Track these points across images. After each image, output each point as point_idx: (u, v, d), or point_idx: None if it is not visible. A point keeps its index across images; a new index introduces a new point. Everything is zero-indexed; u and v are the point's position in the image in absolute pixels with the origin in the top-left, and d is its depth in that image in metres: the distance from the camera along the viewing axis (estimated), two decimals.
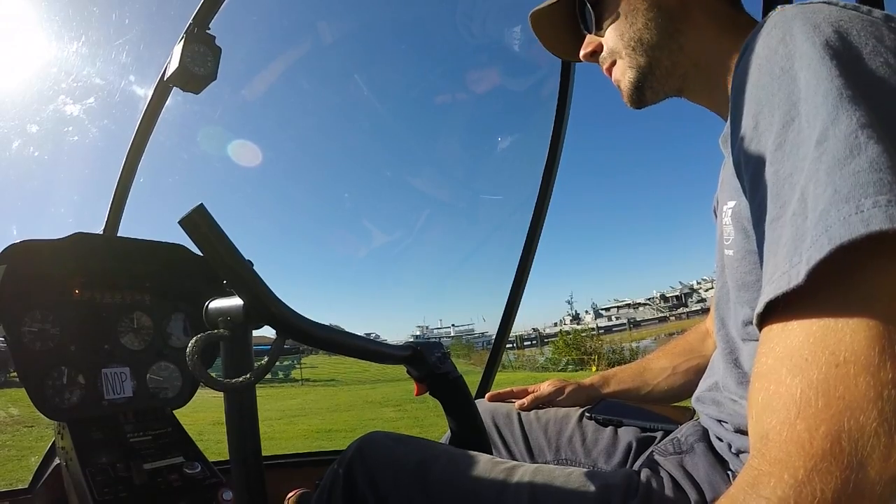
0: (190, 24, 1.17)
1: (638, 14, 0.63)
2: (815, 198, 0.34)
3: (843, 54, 0.38)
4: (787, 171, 0.38)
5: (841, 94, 0.36)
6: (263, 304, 0.57)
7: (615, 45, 0.66)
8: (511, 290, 1.77)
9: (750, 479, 0.32)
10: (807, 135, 0.37)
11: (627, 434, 0.84)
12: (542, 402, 0.98)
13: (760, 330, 0.37)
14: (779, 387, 0.33)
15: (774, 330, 0.35)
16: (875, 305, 0.31)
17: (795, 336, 0.33)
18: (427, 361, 0.81)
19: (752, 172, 0.42)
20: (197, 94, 1.23)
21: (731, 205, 0.55)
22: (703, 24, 0.63)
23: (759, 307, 0.36)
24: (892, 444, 0.28)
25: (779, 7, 0.46)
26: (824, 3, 0.45)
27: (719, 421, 0.64)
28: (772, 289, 0.35)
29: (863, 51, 0.39)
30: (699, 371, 0.89)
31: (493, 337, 1.88)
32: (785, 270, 0.35)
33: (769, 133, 0.40)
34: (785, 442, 0.31)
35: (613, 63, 0.67)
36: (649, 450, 0.76)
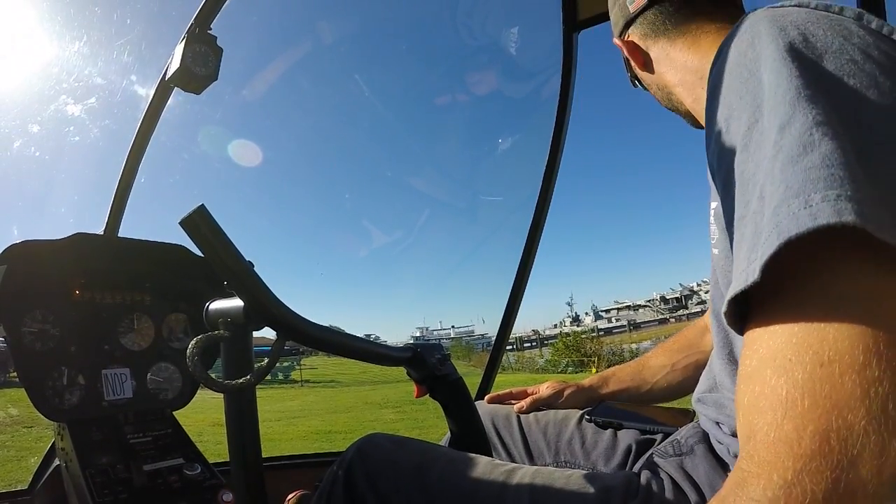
0: (191, 24, 1.17)
1: (651, 87, 0.75)
2: (771, 195, 0.35)
3: (805, 55, 0.39)
4: (750, 171, 0.39)
5: (799, 93, 0.36)
6: (263, 306, 0.57)
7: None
8: (511, 292, 1.77)
9: (738, 481, 0.32)
10: (767, 135, 0.37)
11: (627, 436, 0.84)
12: (541, 405, 0.98)
13: (738, 331, 0.38)
14: (764, 388, 0.33)
15: (757, 331, 0.35)
16: (853, 303, 0.31)
17: (778, 337, 0.33)
18: (427, 363, 0.81)
19: (723, 174, 0.43)
20: (198, 94, 1.23)
21: (713, 205, 0.56)
22: (683, 75, 0.68)
23: (724, 306, 0.36)
24: (884, 442, 0.28)
25: (751, 12, 0.47)
26: (795, 6, 0.46)
27: (718, 423, 0.64)
28: (733, 287, 0.35)
29: (827, 50, 0.39)
30: (698, 367, 0.89)
31: (493, 339, 1.88)
32: (744, 269, 0.35)
33: (738, 135, 0.41)
34: (773, 443, 0.31)
35: None
36: (649, 452, 0.75)
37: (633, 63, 0.74)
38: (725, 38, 0.48)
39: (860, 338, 0.30)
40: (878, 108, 0.36)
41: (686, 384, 0.93)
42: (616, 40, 0.75)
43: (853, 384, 0.29)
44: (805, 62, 0.39)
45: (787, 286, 0.34)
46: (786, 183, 0.33)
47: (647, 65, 0.72)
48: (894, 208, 0.32)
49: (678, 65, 0.67)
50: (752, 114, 0.40)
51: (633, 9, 0.70)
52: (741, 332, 0.38)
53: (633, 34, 0.72)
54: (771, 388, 0.32)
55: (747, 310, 0.37)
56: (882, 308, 0.31)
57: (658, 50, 0.69)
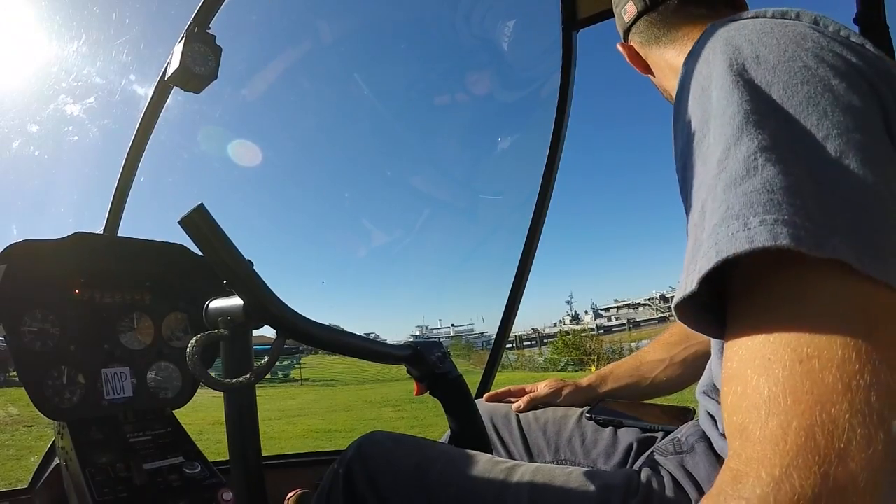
0: (190, 23, 1.17)
1: (658, 88, 0.76)
2: (712, 212, 0.36)
3: (756, 76, 0.40)
4: (696, 184, 0.40)
5: (748, 117, 0.38)
6: (263, 304, 0.57)
7: None
8: (511, 290, 1.77)
9: (728, 479, 0.32)
10: (712, 152, 0.39)
11: (627, 434, 0.84)
12: (538, 403, 0.98)
13: (696, 329, 0.40)
14: (745, 388, 0.33)
15: (734, 334, 0.36)
16: (823, 303, 0.32)
17: (755, 338, 0.34)
18: (427, 361, 0.81)
19: (679, 184, 0.45)
20: (197, 93, 1.22)
21: None
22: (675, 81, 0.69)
23: (673, 311, 0.39)
24: (870, 435, 0.28)
25: (713, 25, 0.49)
26: (752, 17, 0.48)
27: (714, 420, 0.64)
28: (677, 293, 0.38)
29: (780, 61, 0.40)
30: (697, 358, 0.89)
31: (493, 337, 1.88)
32: (683, 278, 0.37)
33: (689, 149, 0.43)
34: (759, 441, 0.31)
35: None
36: (650, 450, 0.75)
37: (636, 68, 0.76)
38: (689, 51, 0.49)
39: (837, 334, 0.31)
40: (832, 112, 0.37)
41: (686, 376, 0.93)
42: (619, 46, 0.77)
43: (834, 378, 0.30)
44: (755, 83, 0.40)
45: (754, 293, 0.35)
46: (727, 203, 0.35)
47: (649, 69, 0.74)
48: (846, 214, 0.33)
49: (671, 71, 0.68)
50: (701, 129, 0.41)
51: (626, 19, 0.72)
52: (702, 331, 0.40)
53: (633, 41, 0.73)
54: (753, 388, 0.32)
55: (707, 312, 0.39)
56: (850, 309, 0.32)
57: (654, 57, 0.71)
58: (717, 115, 0.40)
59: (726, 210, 0.35)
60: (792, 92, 0.38)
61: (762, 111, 0.38)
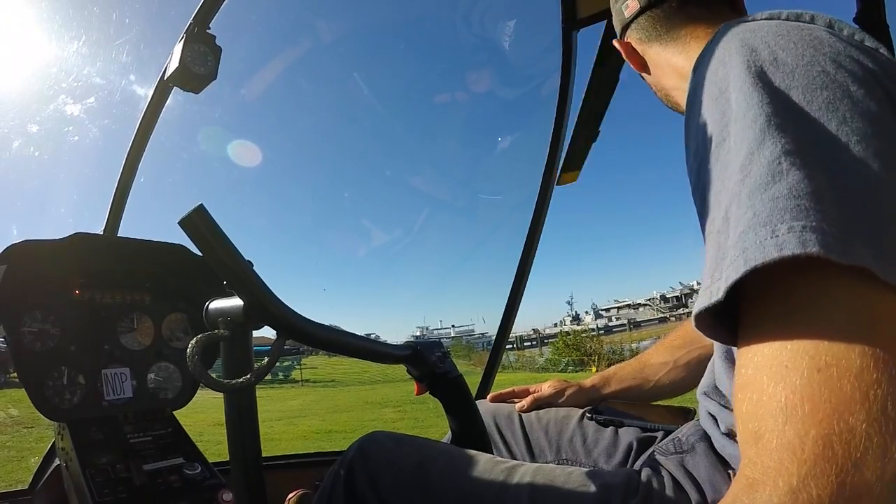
0: (190, 23, 1.17)
1: (652, 87, 0.76)
2: (737, 219, 0.35)
3: (775, 78, 0.40)
4: (716, 189, 0.40)
5: (769, 120, 0.37)
6: (263, 305, 0.57)
7: None
8: (511, 291, 1.77)
9: (744, 487, 0.32)
10: (734, 156, 0.38)
11: (628, 434, 0.84)
12: (542, 404, 0.98)
13: (713, 337, 0.39)
14: (762, 395, 0.33)
15: (750, 341, 0.36)
16: (841, 313, 0.32)
17: (772, 345, 0.33)
18: (427, 361, 0.81)
19: (693, 188, 0.45)
20: (197, 93, 1.23)
21: None
22: (676, 80, 0.68)
23: (693, 320, 0.38)
24: (886, 444, 0.28)
25: (725, 25, 0.48)
26: (766, 18, 0.47)
27: (716, 421, 0.64)
28: (699, 302, 0.37)
29: (798, 64, 0.40)
30: (700, 361, 0.89)
31: (494, 338, 1.88)
32: (707, 286, 0.36)
33: (706, 152, 0.42)
34: (776, 449, 0.30)
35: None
36: (650, 450, 0.75)
37: (632, 65, 0.75)
38: (701, 51, 0.48)
39: (855, 343, 0.30)
40: (851, 118, 0.37)
41: (689, 380, 0.93)
42: (615, 42, 0.76)
43: (852, 388, 0.29)
44: (775, 86, 0.39)
45: (772, 300, 0.34)
46: (753, 209, 0.34)
47: (645, 67, 0.73)
48: (868, 223, 0.33)
49: (671, 69, 0.68)
50: (720, 132, 0.41)
51: (627, 14, 0.71)
52: (717, 338, 0.39)
53: (631, 37, 0.73)
54: (769, 396, 0.32)
55: (720, 319, 0.38)
56: (870, 317, 0.31)
57: (653, 54, 0.70)
58: (737, 119, 0.39)
59: (753, 216, 0.34)
60: (811, 97, 0.38)
61: (783, 115, 0.37)
